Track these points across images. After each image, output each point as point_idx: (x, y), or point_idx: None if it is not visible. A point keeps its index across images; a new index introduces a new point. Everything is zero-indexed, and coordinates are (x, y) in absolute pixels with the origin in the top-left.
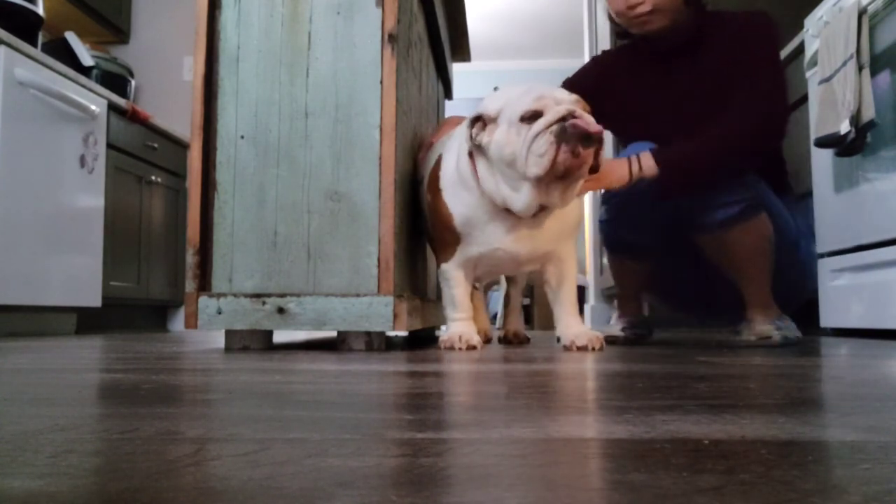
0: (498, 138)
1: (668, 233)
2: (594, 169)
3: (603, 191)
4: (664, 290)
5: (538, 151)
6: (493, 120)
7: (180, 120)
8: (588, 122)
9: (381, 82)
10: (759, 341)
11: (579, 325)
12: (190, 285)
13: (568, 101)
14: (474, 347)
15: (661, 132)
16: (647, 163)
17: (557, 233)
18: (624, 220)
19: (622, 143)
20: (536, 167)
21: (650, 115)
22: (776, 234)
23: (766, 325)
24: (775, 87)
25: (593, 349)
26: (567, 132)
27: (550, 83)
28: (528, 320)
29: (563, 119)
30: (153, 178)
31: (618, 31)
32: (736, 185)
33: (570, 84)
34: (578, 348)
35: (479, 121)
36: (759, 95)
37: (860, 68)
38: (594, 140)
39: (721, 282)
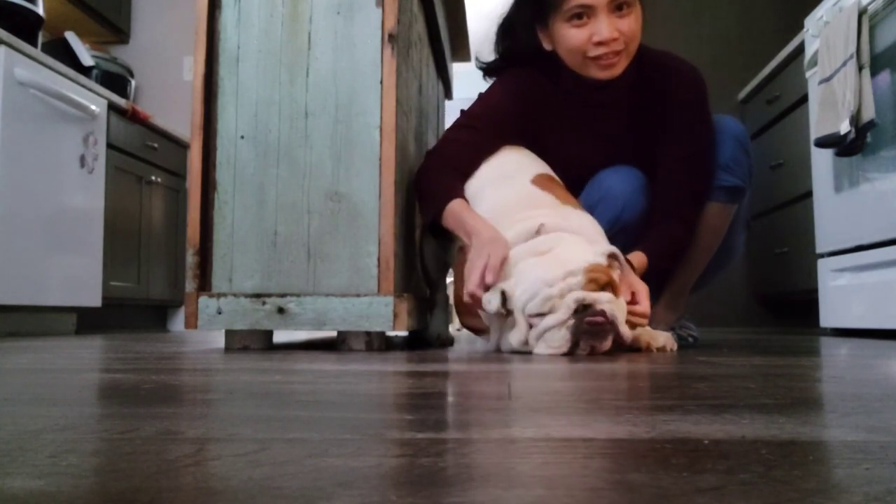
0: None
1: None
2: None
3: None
4: None
5: (553, 344)
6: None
7: (180, 120)
8: (608, 310)
9: (382, 82)
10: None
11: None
12: (190, 285)
13: (581, 276)
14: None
15: (582, 175)
16: (639, 262)
17: None
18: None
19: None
20: (552, 352)
21: (573, 159)
22: (734, 220)
23: (661, 326)
24: (709, 154)
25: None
26: (582, 329)
27: None
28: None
29: (576, 311)
30: (153, 178)
31: (503, 62)
32: (743, 158)
33: (485, 109)
34: None
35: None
36: (699, 163)
37: (860, 68)
38: (614, 328)
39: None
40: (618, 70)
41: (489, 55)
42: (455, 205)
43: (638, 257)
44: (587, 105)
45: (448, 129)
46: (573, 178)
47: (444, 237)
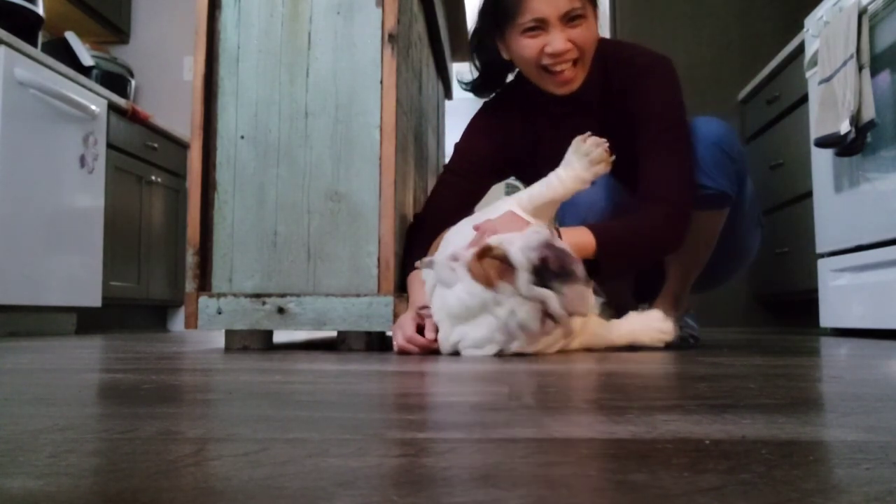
0: None
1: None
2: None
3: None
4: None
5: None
6: None
7: (180, 120)
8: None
9: (382, 82)
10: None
11: None
12: (190, 285)
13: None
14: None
15: None
16: (579, 240)
17: None
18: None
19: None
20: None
21: (555, 166)
22: (740, 221)
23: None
24: (684, 169)
25: None
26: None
27: None
28: None
29: None
30: (153, 178)
31: (486, 78)
32: (726, 163)
33: (465, 155)
34: None
35: None
36: (672, 183)
37: (860, 68)
38: None
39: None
40: (575, 84)
41: (470, 74)
42: (411, 276)
43: (577, 234)
44: (558, 117)
45: (439, 176)
46: None
47: None
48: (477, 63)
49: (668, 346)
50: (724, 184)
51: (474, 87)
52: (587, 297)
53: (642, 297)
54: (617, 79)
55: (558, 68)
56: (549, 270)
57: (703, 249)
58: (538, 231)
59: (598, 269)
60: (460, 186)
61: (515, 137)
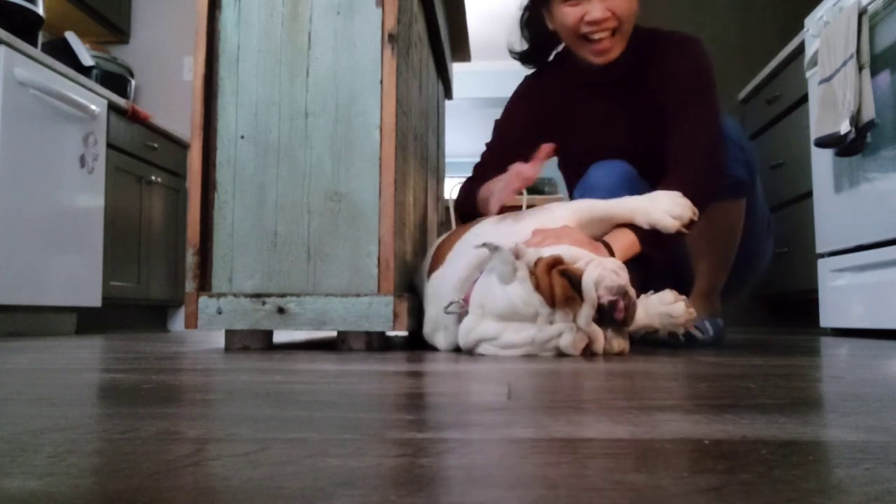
0: None
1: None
2: None
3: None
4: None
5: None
6: None
7: (180, 120)
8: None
9: (381, 82)
10: (647, 336)
11: None
12: (190, 285)
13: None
14: None
15: (602, 158)
16: (625, 245)
17: None
18: None
19: (567, 169)
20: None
21: (590, 143)
22: (752, 223)
23: None
24: (715, 133)
25: None
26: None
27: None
28: None
29: None
30: (153, 178)
31: (533, 49)
32: (737, 153)
33: (503, 130)
34: None
35: None
36: (703, 149)
37: (860, 68)
38: None
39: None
40: (612, 55)
41: (519, 45)
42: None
43: (620, 237)
44: (594, 89)
45: (481, 155)
46: (590, 163)
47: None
48: (525, 35)
49: (682, 343)
50: (740, 172)
51: (522, 57)
52: (624, 345)
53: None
54: (651, 56)
55: (596, 36)
56: (610, 313)
57: (729, 242)
58: (616, 270)
59: (650, 261)
60: (499, 165)
61: (551, 112)
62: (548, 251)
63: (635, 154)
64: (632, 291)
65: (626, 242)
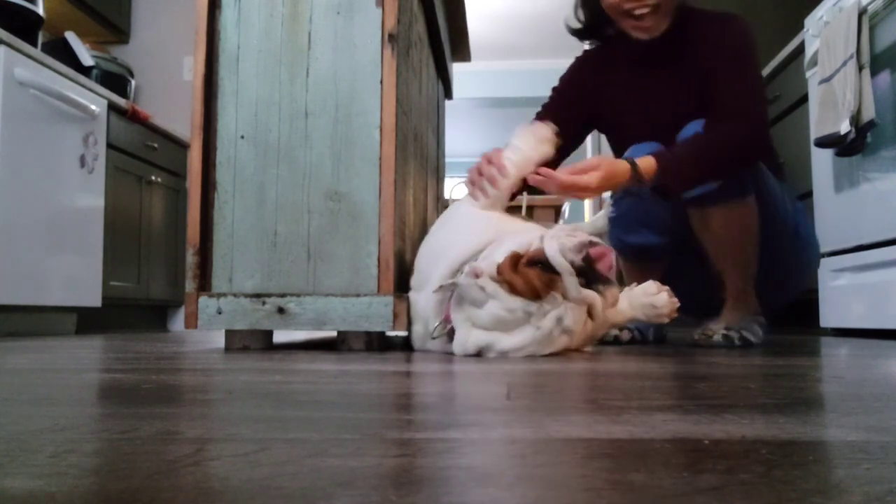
0: None
1: (675, 228)
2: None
3: (611, 194)
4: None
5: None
6: None
7: (180, 120)
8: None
9: (381, 82)
10: (700, 340)
11: None
12: (190, 285)
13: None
14: None
15: (648, 133)
16: (646, 166)
17: None
18: (633, 218)
19: (615, 145)
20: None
21: (637, 118)
22: (771, 222)
23: (717, 325)
24: (756, 99)
25: None
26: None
27: (550, 83)
28: None
29: None
30: (153, 178)
31: (588, 26)
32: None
33: (563, 94)
34: None
35: None
36: (742, 108)
37: (860, 68)
38: None
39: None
40: (656, 31)
41: (575, 22)
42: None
43: (644, 161)
44: (641, 64)
45: (536, 113)
46: (638, 137)
47: None
48: (581, 14)
49: (718, 346)
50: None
51: (578, 33)
52: (616, 293)
53: (701, 312)
54: (696, 31)
55: (638, 12)
56: (593, 271)
57: (745, 240)
58: (568, 232)
59: (666, 191)
60: (546, 119)
61: (601, 84)
62: (499, 254)
63: (679, 129)
64: (596, 240)
65: (646, 165)
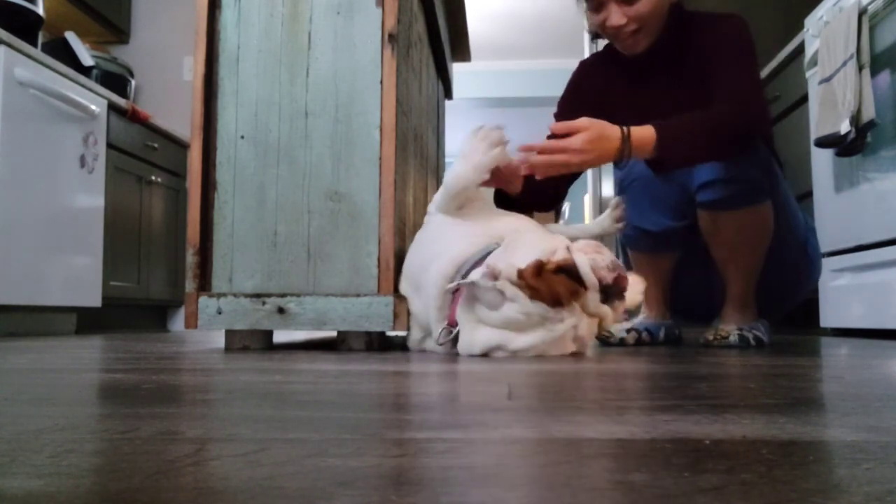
0: None
1: (689, 210)
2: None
3: (618, 181)
4: (678, 294)
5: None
6: None
7: (180, 120)
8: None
9: (381, 82)
10: (715, 341)
11: None
12: (190, 285)
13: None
14: None
15: None
16: (642, 135)
17: None
18: (647, 202)
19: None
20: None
21: (639, 124)
22: (784, 232)
23: (729, 326)
24: (754, 83)
25: None
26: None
27: (550, 83)
28: None
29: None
30: (153, 178)
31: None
32: (734, 165)
33: (565, 106)
34: None
35: None
36: (740, 89)
37: (860, 68)
38: None
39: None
40: (640, 47)
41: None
42: None
43: (642, 130)
44: (640, 72)
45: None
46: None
47: None
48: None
49: (732, 346)
50: (754, 174)
51: (594, 35)
52: (624, 306)
53: (703, 316)
54: (692, 35)
55: (620, 37)
56: (615, 289)
57: (755, 246)
58: (596, 248)
59: (661, 162)
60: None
61: (603, 85)
62: (518, 258)
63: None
64: (620, 263)
65: (643, 134)
